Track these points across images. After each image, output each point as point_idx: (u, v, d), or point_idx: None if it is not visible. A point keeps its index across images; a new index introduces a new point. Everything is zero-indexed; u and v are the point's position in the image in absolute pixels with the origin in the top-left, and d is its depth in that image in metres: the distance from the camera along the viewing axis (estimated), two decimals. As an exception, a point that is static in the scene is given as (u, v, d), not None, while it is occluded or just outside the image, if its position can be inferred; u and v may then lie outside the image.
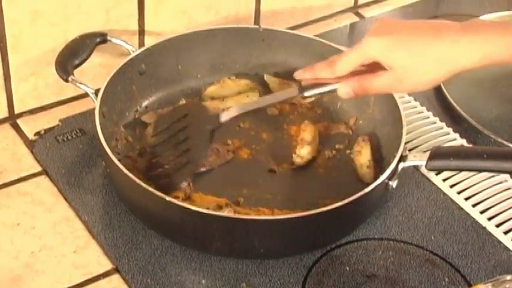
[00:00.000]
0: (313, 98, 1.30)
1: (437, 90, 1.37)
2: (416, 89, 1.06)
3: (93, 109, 1.16)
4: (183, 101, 1.28)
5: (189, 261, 1.10)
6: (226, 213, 1.10)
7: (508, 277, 1.00)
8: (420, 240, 1.14)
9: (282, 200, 1.15)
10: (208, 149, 1.16)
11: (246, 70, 1.34)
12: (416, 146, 1.27)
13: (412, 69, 1.03)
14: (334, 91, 1.09)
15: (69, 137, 1.25)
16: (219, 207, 1.12)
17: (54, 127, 1.27)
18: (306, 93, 1.12)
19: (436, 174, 1.23)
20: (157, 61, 1.28)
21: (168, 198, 1.05)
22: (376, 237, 1.14)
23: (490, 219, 1.18)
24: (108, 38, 1.26)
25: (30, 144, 1.24)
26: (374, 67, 1.05)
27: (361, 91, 1.07)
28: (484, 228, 1.17)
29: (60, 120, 1.28)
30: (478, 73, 1.42)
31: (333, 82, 1.08)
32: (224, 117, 1.16)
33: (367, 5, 1.58)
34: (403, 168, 1.12)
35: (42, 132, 1.26)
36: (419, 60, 1.02)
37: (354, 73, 1.07)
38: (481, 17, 1.44)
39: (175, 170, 1.15)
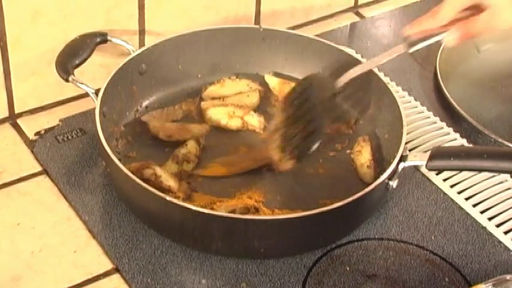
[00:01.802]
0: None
1: (438, 90, 1.37)
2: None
3: (94, 109, 1.16)
4: (186, 100, 1.28)
5: (189, 261, 1.10)
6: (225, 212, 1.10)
7: (508, 277, 1.00)
8: (420, 240, 1.14)
9: (282, 200, 1.15)
10: (330, 116, 1.20)
11: (246, 70, 1.34)
12: (417, 146, 1.27)
13: (505, 6, 1.12)
14: (439, 41, 1.16)
15: (70, 137, 1.25)
16: (246, 209, 1.12)
17: (54, 127, 1.27)
18: (414, 48, 1.17)
19: (437, 174, 1.23)
20: (157, 61, 1.28)
21: (168, 198, 1.05)
22: (376, 237, 1.14)
23: (490, 219, 1.18)
24: (109, 37, 1.26)
25: (30, 144, 1.24)
26: (472, 13, 1.14)
27: (465, 35, 1.15)
28: (484, 228, 1.17)
29: (61, 120, 1.28)
30: (478, 73, 1.43)
31: (438, 32, 1.16)
32: (339, 83, 1.20)
33: (367, 4, 1.58)
34: (403, 168, 1.12)
35: (43, 132, 1.26)
36: None
37: (455, 21, 1.15)
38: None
39: (305, 138, 1.17)
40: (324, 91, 1.20)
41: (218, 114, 1.26)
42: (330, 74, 1.24)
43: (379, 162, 1.21)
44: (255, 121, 1.27)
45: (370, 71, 1.25)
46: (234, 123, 1.26)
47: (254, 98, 1.30)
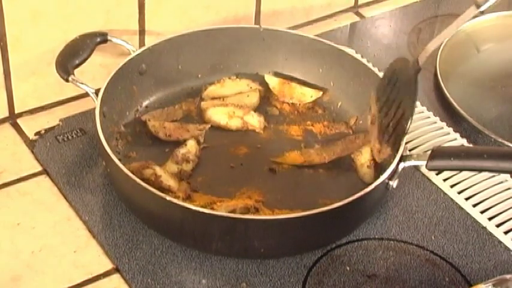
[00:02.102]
0: (314, 98, 1.30)
1: (438, 90, 1.37)
2: None
3: (94, 109, 1.16)
4: (186, 100, 1.28)
5: (189, 261, 1.10)
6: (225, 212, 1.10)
7: (508, 277, 1.00)
8: (420, 240, 1.14)
9: (282, 200, 1.15)
10: (417, 93, 1.17)
11: (246, 70, 1.34)
12: (417, 146, 1.27)
13: None
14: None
15: (70, 137, 1.25)
16: (246, 209, 1.12)
17: (54, 127, 1.27)
18: (483, 7, 1.14)
19: (437, 174, 1.23)
20: (157, 61, 1.28)
21: (168, 198, 1.05)
22: (376, 237, 1.14)
23: (490, 219, 1.18)
24: (109, 37, 1.26)
25: (30, 144, 1.24)
26: None
27: None
28: (485, 228, 1.17)
29: (61, 120, 1.28)
30: (478, 73, 1.43)
31: None
32: (421, 60, 1.18)
33: (367, 4, 1.58)
34: (403, 168, 1.12)
35: (43, 132, 1.26)
36: None
37: None
38: (481, 17, 1.44)
39: (398, 122, 1.15)
40: (408, 71, 1.18)
41: (218, 114, 1.26)
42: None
43: (379, 162, 1.21)
44: (255, 121, 1.27)
45: (371, 72, 1.25)
46: (234, 123, 1.26)
47: (254, 98, 1.30)
